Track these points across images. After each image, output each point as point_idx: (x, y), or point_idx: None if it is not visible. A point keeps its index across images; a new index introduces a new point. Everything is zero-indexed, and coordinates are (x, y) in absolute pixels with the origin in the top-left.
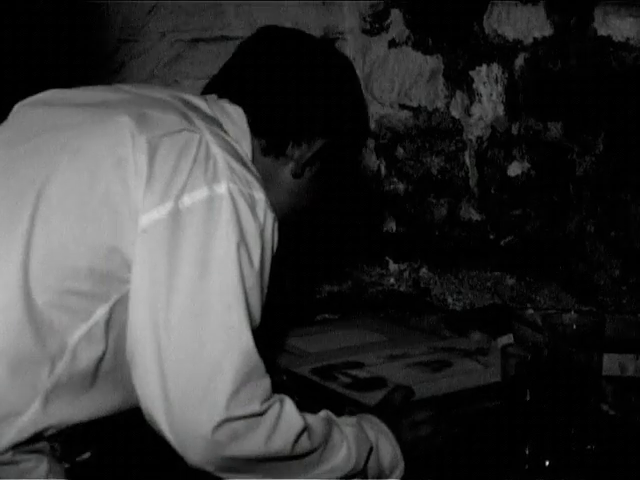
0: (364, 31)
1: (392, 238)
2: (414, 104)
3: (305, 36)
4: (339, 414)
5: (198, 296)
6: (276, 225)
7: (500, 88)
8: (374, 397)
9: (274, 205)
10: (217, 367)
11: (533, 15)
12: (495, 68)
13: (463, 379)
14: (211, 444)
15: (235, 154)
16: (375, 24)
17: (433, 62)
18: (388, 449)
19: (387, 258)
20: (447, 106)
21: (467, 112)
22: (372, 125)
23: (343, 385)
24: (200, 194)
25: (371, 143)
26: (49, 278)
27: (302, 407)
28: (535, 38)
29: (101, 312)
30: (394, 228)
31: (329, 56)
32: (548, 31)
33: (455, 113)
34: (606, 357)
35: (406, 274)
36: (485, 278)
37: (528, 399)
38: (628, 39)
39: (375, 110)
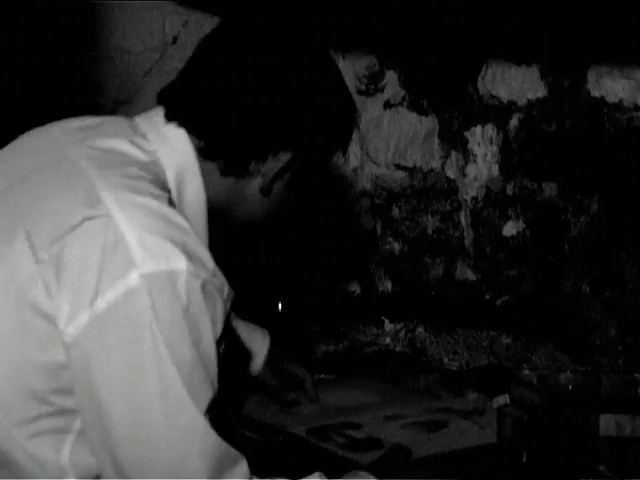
0: (359, 92)
1: (388, 298)
2: (409, 164)
3: (275, 29)
4: (336, 474)
5: (138, 410)
6: (209, 288)
7: (495, 148)
8: (370, 457)
9: (233, 219)
10: (183, 473)
11: (527, 76)
12: (490, 129)
13: (459, 439)
14: None
15: (152, 219)
16: (370, 85)
17: (428, 123)
18: None
19: (383, 318)
20: (442, 166)
21: (462, 172)
22: (367, 185)
23: (339, 445)
24: (114, 293)
25: (367, 203)
26: (16, 410)
27: (298, 467)
28: (529, 99)
29: (78, 423)
30: (390, 288)
31: (296, 54)
32: (542, 92)
33: (450, 173)
34: (603, 417)
35: (402, 334)
36: (481, 338)
37: (524, 460)
38: (621, 100)
39: (370, 170)
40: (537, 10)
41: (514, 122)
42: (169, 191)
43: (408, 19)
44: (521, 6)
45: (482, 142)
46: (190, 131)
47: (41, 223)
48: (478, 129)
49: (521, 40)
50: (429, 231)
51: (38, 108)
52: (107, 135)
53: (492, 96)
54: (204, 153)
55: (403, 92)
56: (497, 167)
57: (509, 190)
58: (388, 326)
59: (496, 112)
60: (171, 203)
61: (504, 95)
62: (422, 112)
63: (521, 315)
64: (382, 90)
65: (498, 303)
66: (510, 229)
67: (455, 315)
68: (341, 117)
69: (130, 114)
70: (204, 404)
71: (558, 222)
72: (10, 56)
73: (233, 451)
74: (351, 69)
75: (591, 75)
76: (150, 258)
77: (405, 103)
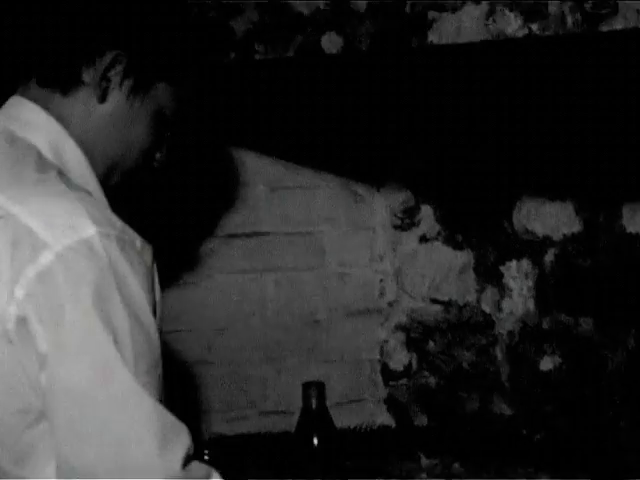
0: (395, 226)
1: (423, 432)
2: (445, 298)
3: None
4: None
5: (76, 385)
6: (122, 244)
7: (530, 283)
8: None
9: (108, 153)
10: (129, 444)
11: (562, 212)
12: (525, 263)
13: None
14: None
15: (48, 200)
16: (406, 219)
17: (463, 257)
18: None
19: (419, 453)
20: (478, 300)
21: (498, 306)
22: (403, 318)
23: None
24: (26, 279)
25: (402, 337)
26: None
27: None
28: (564, 234)
29: None
30: (425, 422)
31: None
32: (577, 227)
33: (486, 307)
34: None
35: (438, 469)
36: (518, 474)
37: None
38: None
39: (406, 304)
40: (570, 146)
41: (549, 257)
42: (57, 167)
43: (443, 155)
44: (554, 143)
45: (518, 276)
46: (29, 94)
47: None
48: (513, 264)
49: (555, 176)
50: (465, 365)
51: None
52: None
53: (527, 231)
54: (38, 84)
55: (438, 227)
56: (533, 302)
57: (545, 325)
58: (424, 461)
59: (531, 247)
60: (62, 174)
61: (539, 230)
62: (457, 246)
63: (558, 451)
64: (417, 224)
65: (535, 439)
66: (546, 364)
67: (491, 450)
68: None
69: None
70: (142, 368)
71: (595, 357)
72: None
73: (176, 420)
74: (386, 203)
75: (625, 211)
76: (60, 235)
77: (440, 237)
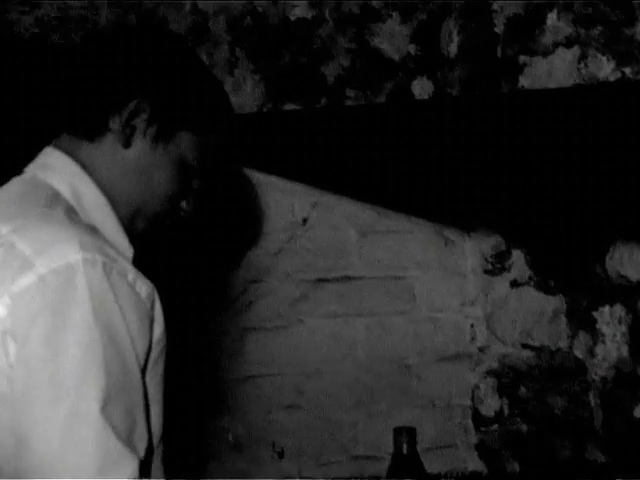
0: (486, 271)
1: (515, 479)
2: (536, 344)
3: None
4: None
5: (35, 397)
6: (108, 270)
7: (624, 329)
8: None
9: (131, 198)
10: (66, 459)
11: None
12: (618, 309)
13: None
14: None
15: (43, 228)
16: (497, 264)
17: (555, 302)
18: None
19: None
20: (570, 346)
21: (591, 352)
22: (494, 364)
23: None
24: (9, 295)
25: (493, 382)
26: None
27: None
28: None
29: None
30: (517, 469)
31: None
32: None
33: (578, 353)
34: None
35: None
36: None
37: None
38: None
39: (497, 349)
40: None
41: None
42: (70, 205)
43: (534, 199)
44: None
45: (611, 322)
46: (60, 145)
47: None
48: (606, 309)
49: None
50: (557, 411)
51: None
52: (4, 195)
53: (620, 276)
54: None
55: (530, 271)
56: (627, 347)
57: (639, 371)
58: None
59: (625, 292)
60: (70, 211)
61: (633, 275)
62: (549, 291)
63: None
64: (509, 269)
65: None
66: None
67: None
68: (187, 64)
69: (261, 293)
70: (105, 393)
71: None
72: None
73: (124, 448)
74: (477, 248)
75: None
76: (47, 260)
77: (532, 282)
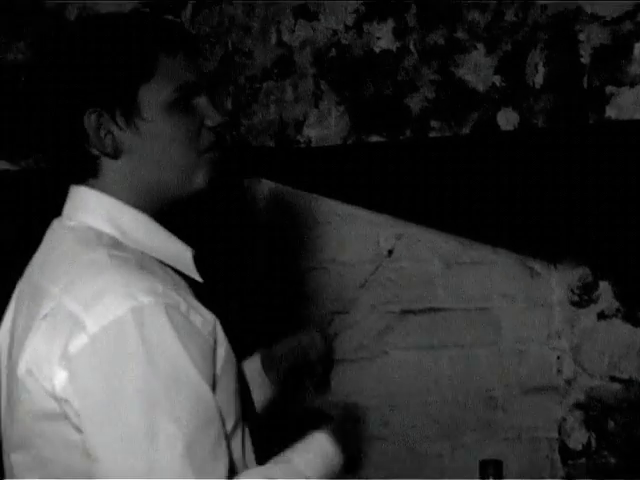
0: (572, 303)
1: None
2: (625, 376)
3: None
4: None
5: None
6: (160, 309)
7: None
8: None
9: (159, 189)
10: None
11: None
12: None
13: None
14: None
15: (88, 282)
16: (583, 296)
17: None
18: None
19: None
20: None
21: None
22: (581, 397)
23: None
24: (65, 358)
25: (581, 415)
26: None
27: None
28: None
29: None
30: None
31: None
32: None
33: None
34: None
35: None
36: None
37: None
38: None
39: (585, 382)
40: None
41: None
42: (112, 238)
43: (621, 230)
44: None
45: None
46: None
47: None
48: None
49: None
50: None
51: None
52: (50, 246)
53: None
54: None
55: (617, 303)
56: None
57: None
58: None
59: None
60: (115, 245)
61: None
62: (637, 323)
63: None
64: (596, 301)
65: None
66: None
67: None
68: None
69: (346, 325)
70: (186, 428)
71: None
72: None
73: None
74: (564, 280)
75: None
76: (96, 317)
77: (619, 314)
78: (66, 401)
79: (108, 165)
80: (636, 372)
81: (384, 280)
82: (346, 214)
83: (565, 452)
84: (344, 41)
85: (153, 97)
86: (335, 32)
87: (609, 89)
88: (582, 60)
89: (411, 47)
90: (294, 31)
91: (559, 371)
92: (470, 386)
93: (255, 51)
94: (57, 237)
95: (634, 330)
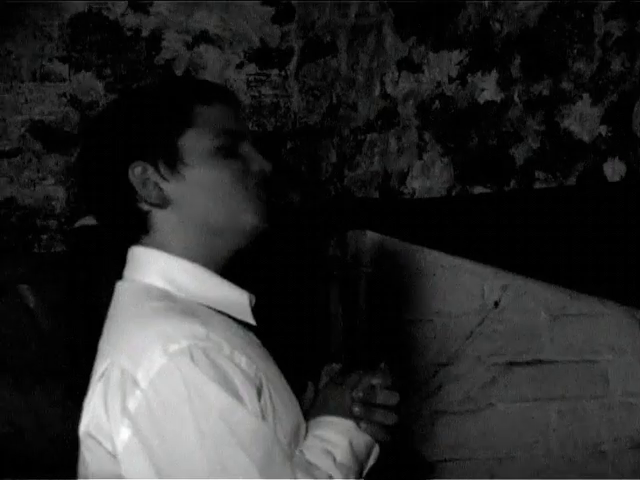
0: None
1: None
2: None
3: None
4: None
5: None
6: (201, 354)
7: None
8: None
9: (207, 238)
10: None
11: None
12: None
13: None
14: None
15: (138, 337)
16: None
17: None
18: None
19: None
20: None
21: None
22: None
23: None
24: (122, 421)
25: None
26: None
27: None
28: None
29: None
30: None
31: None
32: None
33: None
34: None
35: None
36: None
37: None
38: None
39: None
40: None
41: None
42: (164, 293)
43: None
44: None
45: None
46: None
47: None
48: None
49: None
50: None
51: None
52: (113, 308)
53: None
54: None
55: None
56: None
57: None
58: None
59: None
60: (167, 297)
61: None
62: None
63: None
64: None
65: None
66: None
67: None
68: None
69: (451, 377)
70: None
71: None
72: None
73: None
74: None
75: None
76: (144, 371)
77: None
78: (129, 460)
79: (158, 218)
80: None
81: (490, 332)
82: (451, 265)
83: None
84: (448, 93)
85: (194, 145)
86: (439, 84)
87: None
88: None
89: (515, 98)
90: (398, 83)
91: None
92: (578, 440)
93: (359, 103)
94: (115, 299)
95: None
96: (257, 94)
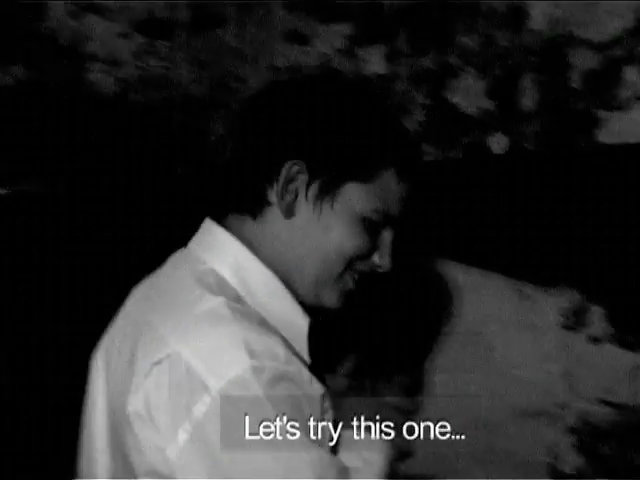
0: (564, 327)
1: None
2: (618, 400)
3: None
4: None
5: None
6: (279, 376)
7: None
8: None
9: (305, 268)
10: None
11: None
12: None
13: None
14: None
15: (211, 338)
16: (575, 320)
17: (636, 358)
18: None
19: None
20: None
21: None
22: (574, 421)
23: None
24: (190, 423)
25: (573, 440)
26: None
27: None
28: None
29: None
30: None
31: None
32: None
33: None
34: None
35: None
36: None
37: None
38: None
39: (577, 406)
40: None
41: None
42: (233, 291)
43: (612, 255)
44: None
45: None
46: (222, 219)
47: (136, 361)
48: None
49: None
50: None
51: None
52: (167, 278)
53: None
54: (234, 211)
55: (609, 327)
56: None
57: None
58: None
59: None
60: (239, 301)
61: None
62: (629, 347)
63: None
64: (587, 325)
65: None
66: None
67: None
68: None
69: None
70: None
71: None
72: None
73: None
74: (554, 303)
75: None
76: (216, 376)
77: (612, 338)
78: (181, 464)
79: (270, 217)
80: (629, 396)
81: None
82: None
83: (557, 477)
84: (335, 65)
85: (355, 198)
86: (326, 56)
87: (600, 113)
88: (573, 84)
89: (402, 71)
90: (285, 55)
91: (551, 396)
92: (461, 411)
93: (248, 75)
94: (179, 273)
95: (626, 354)
96: (144, 65)
